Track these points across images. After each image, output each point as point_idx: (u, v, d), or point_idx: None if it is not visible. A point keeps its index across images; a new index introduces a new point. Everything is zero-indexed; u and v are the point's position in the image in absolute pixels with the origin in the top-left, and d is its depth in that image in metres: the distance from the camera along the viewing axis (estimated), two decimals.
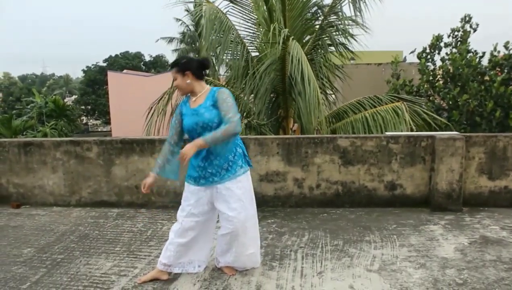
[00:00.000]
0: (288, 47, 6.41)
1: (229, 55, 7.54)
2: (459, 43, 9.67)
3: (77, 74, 77.08)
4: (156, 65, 41.40)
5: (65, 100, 29.87)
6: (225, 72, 8.38)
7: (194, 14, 8.06)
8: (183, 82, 2.70)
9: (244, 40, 7.73)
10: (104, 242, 3.68)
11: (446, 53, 9.85)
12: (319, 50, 7.72)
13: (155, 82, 17.48)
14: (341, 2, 7.35)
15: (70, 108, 22.76)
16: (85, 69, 36.66)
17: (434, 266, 3.02)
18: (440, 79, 9.87)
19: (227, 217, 2.72)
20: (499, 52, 9.13)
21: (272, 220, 4.13)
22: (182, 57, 3.05)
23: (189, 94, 2.80)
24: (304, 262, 3.14)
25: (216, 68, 7.99)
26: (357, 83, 9.48)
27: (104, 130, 35.85)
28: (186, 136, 2.86)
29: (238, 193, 2.70)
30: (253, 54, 7.85)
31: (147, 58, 41.84)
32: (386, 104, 7.20)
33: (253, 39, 8.08)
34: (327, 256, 3.24)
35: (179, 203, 2.87)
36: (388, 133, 4.96)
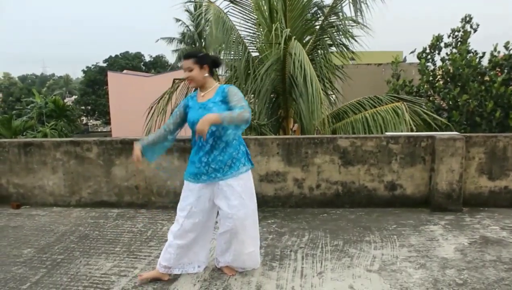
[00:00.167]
0: (290, 47, 6.41)
1: (231, 55, 7.54)
2: (459, 43, 9.66)
3: (77, 74, 77.14)
4: (156, 65, 41.43)
5: (65, 101, 29.88)
6: (225, 73, 8.38)
7: (196, 14, 8.06)
8: (200, 74, 2.72)
9: (244, 40, 7.74)
10: (104, 242, 3.68)
11: (446, 53, 9.84)
12: (319, 51, 7.72)
13: (155, 82, 17.50)
14: (341, 2, 7.35)
15: (70, 108, 22.78)
16: (85, 69, 36.69)
17: (434, 266, 3.02)
18: (440, 79, 9.87)
19: (226, 214, 2.72)
20: (499, 52, 9.12)
21: (272, 221, 4.13)
22: (198, 51, 3.07)
23: (197, 89, 2.83)
24: (304, 262, 3.14)
25: (221, 67, 8.00)
26: (357, 84, 9.47)
27: (104, 130, 35.85)
28: (179, 130, 2.91)
29: (239, 191, 2.71)
30: (253, 54, 7.85)
31: (147, 59, 41.88)
32: (386, 104, 7.20)
33: (253, 40, 8.08)
34: (327, 256, 3.24)
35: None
36: (388, 133, 4.96)
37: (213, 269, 3.04)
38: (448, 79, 9.52)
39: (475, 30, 9.70)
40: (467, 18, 9.69)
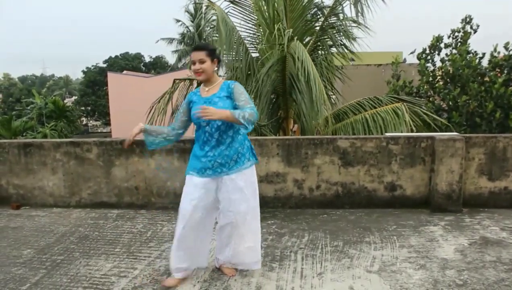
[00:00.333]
0: (291, 48, 6.41)
1: (232, 56, 7.53)
2: (459, 44, 9.67)
3: (77, 75, 77.36)
4: (156, 66, 41.45)
5: (65, 101, 29.94)
6: (225, 73, 8.38)
7: (199, 15, 8.05)
8: (211, 67, 2.75)
9: (245, 41, 7.74)
10: (104, 243, 3.68)
11: (446, 54, 9.84)
12: (319, 52, 7.72)
13: (155, 83, 17.51)
14: (342, 3, 7.36)
15: (70, 109, 22.82)
16: (85, 70, 36.71)
17: (434, 267, 3.02)
18: (440, 80, 9.86)
19: (227, 208, 2.74)
20: (499, 53, 9.12)
21: (272, 221, 4.13)
22: (209, 44, 3.12)
23: (200, 85, 2.86)
24: (304, 263, 3.14)
25: (221, 68, 8.00)
26: (357, 84, 9.47)
27: (104, 131, 35.86)
28: (185, 131, 2.92)
29: (241, 185, 2.72)
30: (253, 55, 7.85)
31: (147, 59, 41.92)
32: (386, 105, 7.20)
33: (253, 40, 8.08)
34: (327, 257, 3.24)
35: (179, 205, 2.84)
36: (388, 134, 4.96)
37: (213, 270, 3.04)
38: (448, 79, 9.52)
39: (475, 31, 9.70)
40: (467, 19, 9.68)
